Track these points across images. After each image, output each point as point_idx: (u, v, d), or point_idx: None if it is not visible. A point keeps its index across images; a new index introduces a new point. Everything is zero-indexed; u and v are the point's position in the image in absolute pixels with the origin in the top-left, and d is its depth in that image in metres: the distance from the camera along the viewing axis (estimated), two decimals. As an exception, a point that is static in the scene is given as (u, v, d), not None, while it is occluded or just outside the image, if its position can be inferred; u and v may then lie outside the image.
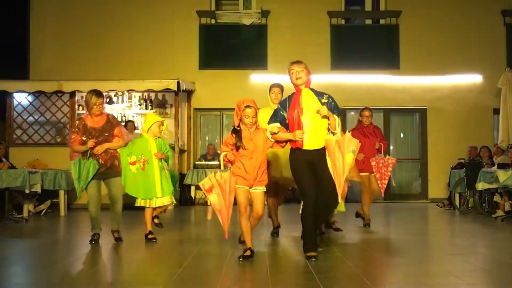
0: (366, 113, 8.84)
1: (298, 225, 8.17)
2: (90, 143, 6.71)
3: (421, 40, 14.22)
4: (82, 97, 13.24)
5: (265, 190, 5.88)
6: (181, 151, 13.39)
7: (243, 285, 4.86)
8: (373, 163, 8.46)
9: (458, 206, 11.64)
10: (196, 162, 13.43)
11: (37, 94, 12.85)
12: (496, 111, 13.74)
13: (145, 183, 6.92)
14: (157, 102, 13.67)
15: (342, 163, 5.52)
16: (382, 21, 14.69)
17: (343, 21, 14.67)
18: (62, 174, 10.75)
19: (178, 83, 12.51)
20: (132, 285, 4.81)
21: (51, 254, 6.44)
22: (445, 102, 14.20)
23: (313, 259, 5.61)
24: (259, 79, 14.04)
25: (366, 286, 4.60)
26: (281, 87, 7.27)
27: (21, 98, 12.93)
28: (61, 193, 10.86)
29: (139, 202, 7.04)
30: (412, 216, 11.18)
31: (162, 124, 7.12)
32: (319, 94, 5.77)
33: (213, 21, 14.36)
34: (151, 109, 13.46)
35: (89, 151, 6.74)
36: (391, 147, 14.43)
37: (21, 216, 10.08)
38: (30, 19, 14.36)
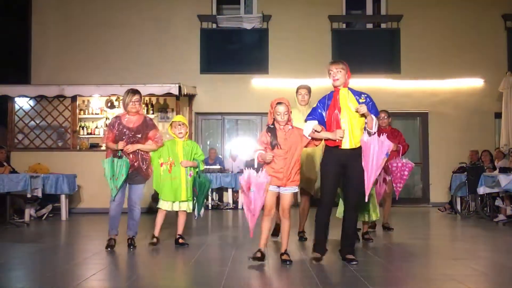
0: (381, 115, 8.80)
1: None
2: (121, 145, 6.71)
3: (422, 44, 14.24)
4: (83, 101, 13.29)
5: (297, 190, 5.89)
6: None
7: (245, 290, 4.86)
8: (389, 166, 8.43)
9: (459, 210, 11.63)
10: (198, 167, 13.42)
11: (39, 98, 12.86)
12: (498, 115, 13.75)
13: (171, 185, 6.89)
14: (158, 106, 13.68)
15: (375, 164, 5.54)
16: (383, 25, 14.70)
17: (344, 26, 14.69)
18: (63, 179, 10.75)
19: (179, 87, 12.52)
20: (133, 289, 4.81)
21: (52, 258, 6.44)
22: (446, 106, 14.21)
23: (314, 261, 5.66)
24: (260, 83, 14.06)
25: (367, 290, 4.60)
26: (308, 88, 7.31)
27: (22, 103, 12.94)
28: (63, 197, 10.85)
29: (161, 205, 7.01)
30: (413, 220, 11.17)
31: (180, 125, 6.95)
32: (357, 94, 5.79)
33: (214, 26, 14.38)
34: (153, 113, 13.48)
35: (119, 151, 6.74)
36: (393, 151, 14.41)
37: (22, 221, 10.08)
38: (31, 24, 14.40)
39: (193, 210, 7.11)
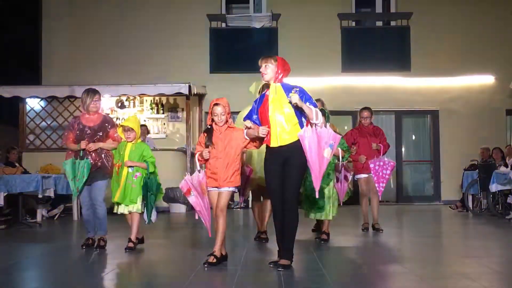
0: (364, 114, 8.67)
1: (306, 229, 8.18)
2: (83, 144, 6.71)
3: (432, 42, 14.17)
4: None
5: (235, 191, 5.82)
6: (193, 155, 13.41)
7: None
8: (371, 165, 8.26)
9: (471, 208, 11.58)
10: (208, 166, 13.44)
11: (50, 99, 12.93)
12: (509, 112, 13.69)
13: (115, 187, 6.76)
14: (168, 106, 13.72)
15: (315, 157, 5.29)
16: (393, 23, 14.65)
17: (353, 24, 14.65)
18: (74, 179, 10.78)
19: (189, 87, 12.53)
20: (145, 289, 4.83)
21: (64, 258, 6.47)
22: (457, 103, 14.14)
23: (280, 268, 5.32)
24: (270, 82, 14.02)
25: (379, 289, 4.59)
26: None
27: (33, 104, 13.02)
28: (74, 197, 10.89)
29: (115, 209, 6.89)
30: (425, 218, 11.13)
31: (129, 130, 6.65)
32: (288, 89, 5.48)
33: (223, 25, 14.39)
34: (163, 113, 13.53)
35: (81, 151, 6.73)
36: (403, 149, 14.40)
37: (34, 221, 10.13)
38: (42, 25, 14.47)
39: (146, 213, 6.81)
